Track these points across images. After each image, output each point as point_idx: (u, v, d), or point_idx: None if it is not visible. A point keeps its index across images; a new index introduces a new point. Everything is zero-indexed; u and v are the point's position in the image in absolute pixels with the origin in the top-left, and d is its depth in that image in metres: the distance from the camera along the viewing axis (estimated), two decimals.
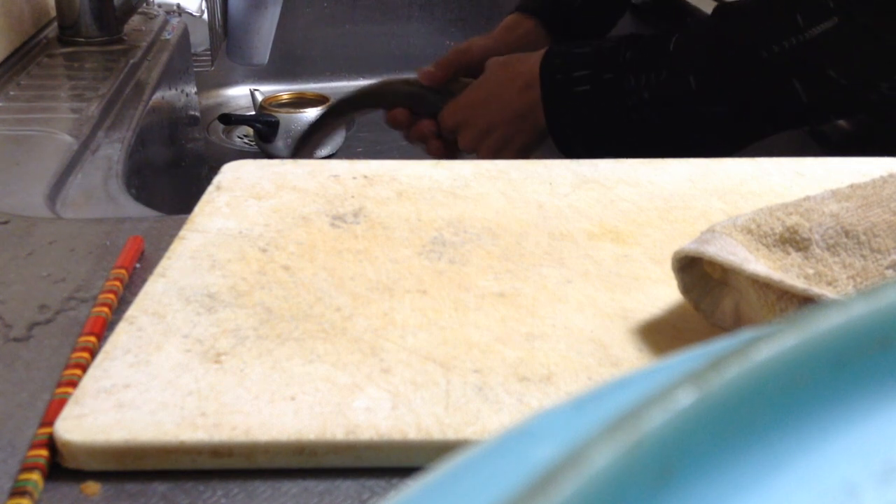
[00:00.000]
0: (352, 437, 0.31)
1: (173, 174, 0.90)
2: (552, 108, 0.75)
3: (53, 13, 0.93)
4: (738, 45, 0.68)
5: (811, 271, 0.33)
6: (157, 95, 0.83)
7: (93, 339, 0.37)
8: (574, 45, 0.77)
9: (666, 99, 0.70)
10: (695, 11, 1.08)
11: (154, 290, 0.40)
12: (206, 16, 1.06)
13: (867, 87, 0.66)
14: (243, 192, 0.49)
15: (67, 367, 0.35)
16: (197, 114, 1.06)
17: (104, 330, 0.38)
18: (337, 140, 1.15)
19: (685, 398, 0.12)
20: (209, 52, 1.09)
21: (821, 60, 0.64)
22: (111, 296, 0.41)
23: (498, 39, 0.92)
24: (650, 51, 0.72)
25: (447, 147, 0.85)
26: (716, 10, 0.74)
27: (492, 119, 0.78)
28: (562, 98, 0.74)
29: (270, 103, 1.14)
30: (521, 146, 0.78)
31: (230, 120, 1.11)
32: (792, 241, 0.34)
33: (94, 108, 0.72)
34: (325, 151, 1.13)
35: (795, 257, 0.34)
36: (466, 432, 0.31)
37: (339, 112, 0.90)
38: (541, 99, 0.75)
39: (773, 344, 0.13)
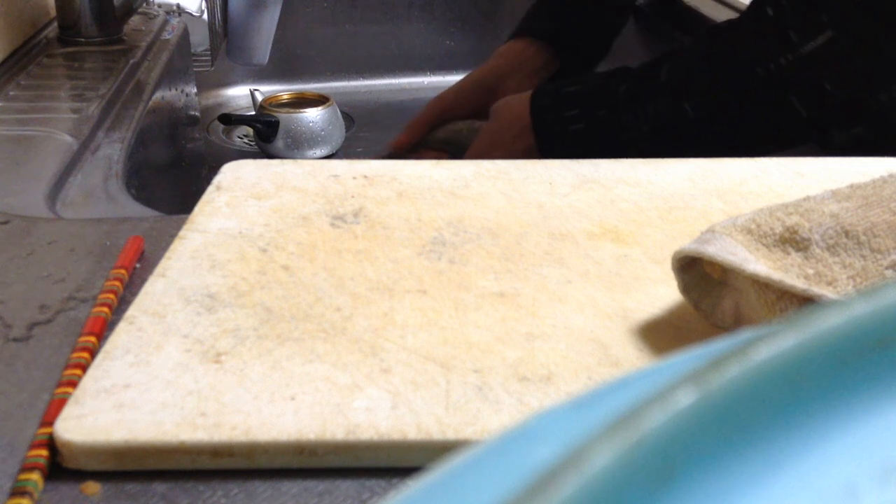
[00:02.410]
0: (352, 437, 0.31)
1: (173, 174, 0.90)
2: (547, 150, 0.75)
3: (53, 13, 0.93)
4: (732, 66, 0.68)
5: (811, 271, 0.33)
6: (157, 95, 0.83)
7: (93, 339, 0.37)
8: (561, 83, 0.77)
9: (666, 129, 0.70)
10: (696, 11, 1.08)
11: (154, 290, 0.40)
12: (206, 16, 1.06)
13: (866, 97, 0.66)
14: (243, 192, 0.49)
15: (67, 367, 0.35)
16: (197, 114, 1.06)
17: (104, 330, 0.38)
18: (337, 140, 1.15)
19: (685, 398, 0.12)
20: (209, 52, 1.09)
21: (817, 75, 0.64)
22: (111, 296, 0.41)
23: (475, 83, 0.93)
24: (643, 82, 0.71)
25: None
26: (705, 32, 0.74)
27: None
28: (556, 138, 0.75)
29: (270, 103, 1.14)
30: None
31: (230, 120, 1.11)
32: (792, 241, 0.34)
33: (94, 108, 0.72)
34: (324, 151, 1.13)
35: (795, 257, 0.34)
36: (466, 432, 0.31)
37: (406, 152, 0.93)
38: (535, 142, 0.75)
39: (773, 344, 0.13)
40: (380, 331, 0.37)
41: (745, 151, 0.67)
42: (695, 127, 0.69)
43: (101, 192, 0.60)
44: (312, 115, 1.11)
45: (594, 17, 0.97)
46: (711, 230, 0.35)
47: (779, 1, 0.66)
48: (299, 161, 0.54)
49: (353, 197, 0.49)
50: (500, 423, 0.32)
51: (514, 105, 0.79)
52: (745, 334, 0.14)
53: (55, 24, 0.92)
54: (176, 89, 0.93)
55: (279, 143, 1.11)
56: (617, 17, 1.01)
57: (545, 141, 0.75)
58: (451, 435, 0.31)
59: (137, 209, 0.57)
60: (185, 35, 1.01)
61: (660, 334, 0.37)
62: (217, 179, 0.51)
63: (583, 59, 0.97)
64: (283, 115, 1.11)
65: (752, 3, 0.71)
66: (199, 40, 1.07)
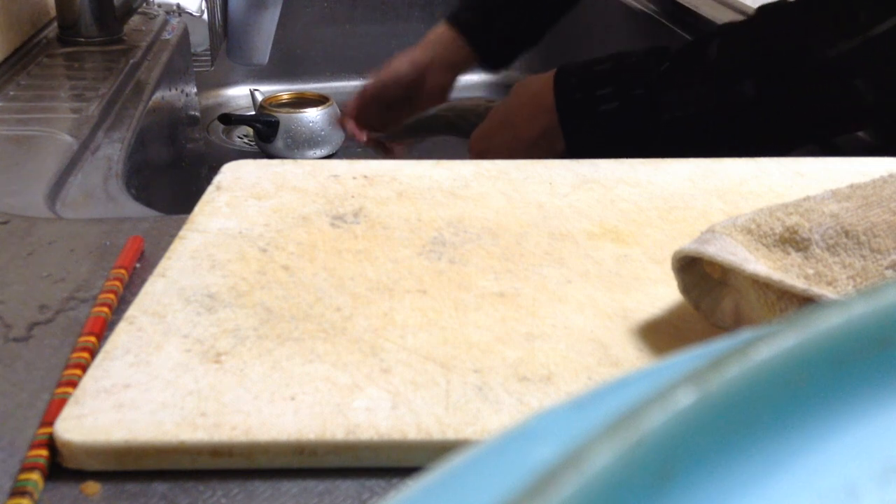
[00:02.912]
0: (352, 437, 0.31)
1: (173, 174, 0.90)
2: (573, 131, 0.72)
3: (53, 13, 0.93)
4: (794, 48, 0.64)
5: (811, 271, 0.33)
6: (157, 95, 0.83)
7: (93, 339, 0.37)
8: (587, 62, 0.73)
9: (713, 112, 0.66)
10: (696, 11, 1.08)
11: (154, 290, 0.40)
12: (206, 16, 1.06)
13: None
14: (243, 192, 0.49)
15: (67, 367, 0.35)
16: (197, 114, 1.06)
17: (104, 330, 0.38)
18: (337, 140, 1.15)
19: (685, 398, 0.12)
20: (209, 52, 1.09)
21: (886, 59, 0.61)
22: (111, 296, 0.41)
23: (417, 59, 0.94)
24: (689, 61, 0.68)
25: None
26: (759, 10, 0.70)
27: (509, 147, 0.76)
28: (583, 119, 0.71)
29: (270, 103, 1.14)
30: None
31: (230, 120, 1.11)
32: (792, 241, 0.34)
33: (94, 108, 0.72)
34: (324, 151, 1.13)
35: (795, 257, 0.34)
36: (466, 432, 0.31)
37: (410, 132, 0.93)
38: (559, 122, 0.72)
39: (773, 344, 0.13)
40: (380, 331, 0.37)
41: (795, 138, 0.63)
42: (747, 110, 0.65)
43: (101, 192, 0.60)
44: (312, 115, 1.11)
45: (524, 15, 0.96)
46: (711, 230, 0.35)
47: None
48: (299, 161, 0.54)
49: (353, 197, 0.49)
50: (500, 423, 0.32)
51: (534, 84, 0.75)
52: (745, 334, 0.14)
53: (55, 24, 0.92)
54: (176, 89, 0.93)
55: (279, 143, 1.11)
56: (551, 15, 0.99)
57: (571, 121, 0.71)
58: (451, 435, 0.31)
59: (137, 209, 0.57)
60: (185, 35, 1.01)
61: (660, 334, 0.37)
62: (217, 179, 0.51)
63: (501, 54, 0.97)
64: (283, 115, 1.11)
65: None
66: (199, 40, 1.07)
